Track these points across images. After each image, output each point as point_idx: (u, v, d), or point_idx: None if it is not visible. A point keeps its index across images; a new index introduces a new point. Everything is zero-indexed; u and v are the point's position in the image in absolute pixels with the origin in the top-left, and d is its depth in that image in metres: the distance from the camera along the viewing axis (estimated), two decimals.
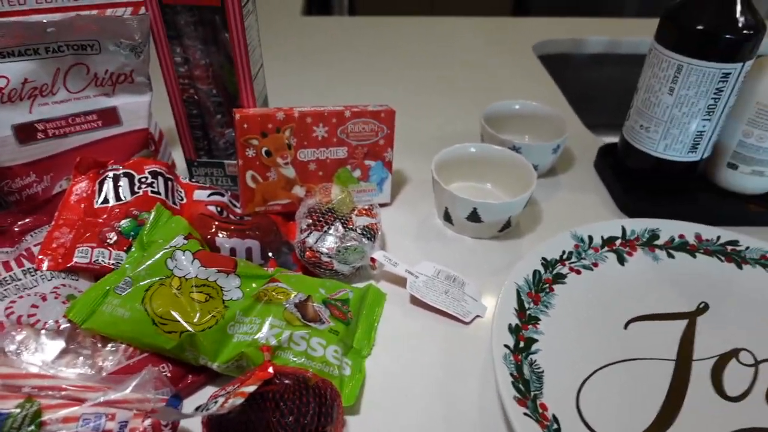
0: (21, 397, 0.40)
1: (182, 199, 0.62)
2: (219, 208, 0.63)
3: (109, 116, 0.61)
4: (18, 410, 0.39)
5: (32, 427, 0.38)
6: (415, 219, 0.72)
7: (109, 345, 0.49)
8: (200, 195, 0.64)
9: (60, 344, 0.47)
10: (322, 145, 0.65)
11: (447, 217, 0.68)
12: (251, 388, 0.41)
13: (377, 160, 0.69)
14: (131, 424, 0.41)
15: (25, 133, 0.56)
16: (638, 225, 0.65)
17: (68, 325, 0.48)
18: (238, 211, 0.66)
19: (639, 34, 1.28)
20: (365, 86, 1.05)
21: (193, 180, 0.70)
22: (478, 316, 0.59)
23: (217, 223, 0.60)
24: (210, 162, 0.69)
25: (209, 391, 0.51)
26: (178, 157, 0.74)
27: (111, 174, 0.58)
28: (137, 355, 0.49)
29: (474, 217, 0.65)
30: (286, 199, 0.67)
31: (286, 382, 0.45)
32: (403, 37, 1.27)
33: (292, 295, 0.54)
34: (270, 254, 0.61)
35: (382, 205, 0.73)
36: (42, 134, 0.57)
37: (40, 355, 0.46)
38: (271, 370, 0.45)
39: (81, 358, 0.47)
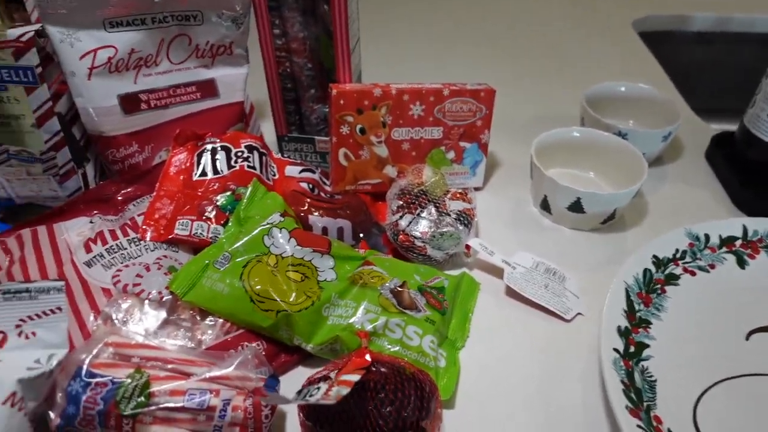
0: (131, 367, 0.40)
1: (275, 175, 0.62)
2: (310, 185, 0.62)
3: (208, 88, 0.61)
4: (129, 380, 0.39)
5: (142, 398, 0.39)
6: (507, 205, 0.68)
7: (208, 319, 0.49)
8: (292, 171, 0.63)
9: (162, 315, 0.48)
10: (417, 124, 0.63)
11: (545, 206, 0.65)
12: (355, 377, 0.39)
13: (473, 141, 0.65)
14: (234, 401, 0.40)
15: (129, 103, 0.56)
16: (762, 225, 0.59)
17: (170, 296, 0.48)
18: (328, 189, 0.65)
19: (751, 10, 1.15)
20: (454, 64, 1.01)
21: (284, 155, 0.70)
22: (579, 313, 0.55)
23: (309, 200, 0.59)
24: (301, 137, 0.68)
25: (301, 371, 0.50)
26: (266, 131, 0.74)
27: (209, 147, 0.58)
28: (233, 330, 0.49)
29: (576, 207, 0.61)
30: (377, 178, 0.65)
31: (383, 370, 0.44)
32: (497, 12, 1.21)
33: (388, 280, 0.52)
34: (361, 235, 0.60)
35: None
36: (145, 105, 0.57)
37: (143, 324, 0.47)
38: (368, 357, 0.43)
39: (182, 330, 0.47)
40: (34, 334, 0.39)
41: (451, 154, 0.66)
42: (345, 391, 0.38)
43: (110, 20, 0.53)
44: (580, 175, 0.70)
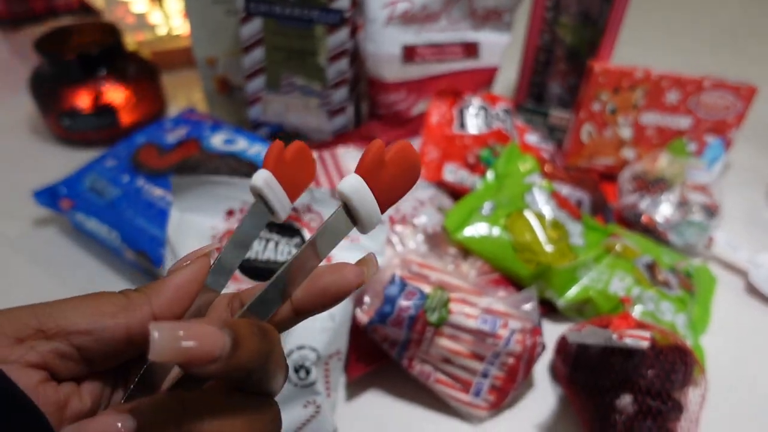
0: (432, 285, 0.45)
1: (516, 139, 0.65)
2: (549, 155, 0.65)
3: (471, 50, 0.64)
4: (434, 293, 0.44)
5: (444, 310, 0.43)
6: (739, 207, 0.67)
7: (469, 259, 0.53)
8: (531, 139, 0.66)
9: (432, 247, 0.52)
10: (668, 111, 0.63)
11: None
12: (646, 333, 0.41)
13: (718, 137, 0.65)
14: (517, 335, 0.44)
15: (409, 54, 0.61)
16: None
17: (441, 232, 0.53)
18: (558, 162, 0.67)
19: None
20: (703, 54, 0.98)
21: None
22: None
23: (552, 168, 0.62)
24: (535, 110, 0.70)
25: (544, 323, 0.53)
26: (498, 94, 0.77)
27: (469, 104, 0.62)
28: (489, 273, 0.53)
29: None
30: (612, 159, 0.66)
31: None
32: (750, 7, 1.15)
33: (639, 255, 0.54)
34: (597, 210, 0.61)
35: None
36: (420, 57, 0.62)
37: (415, 252, 0.52)
38: (632, 321, 0.45)
39: (450, 266, 0.52)
40: (358, 239, 0.45)
41: (693, 146, 0.65)
42: (645, 343, 0.40)
43: None
44: None
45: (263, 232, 0.44)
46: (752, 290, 0.56)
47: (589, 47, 0.65)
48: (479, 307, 0.45)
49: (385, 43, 0.60)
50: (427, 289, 0.44)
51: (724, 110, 0.63)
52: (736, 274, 0.58)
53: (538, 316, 0.47)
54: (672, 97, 0.62)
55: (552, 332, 0.50)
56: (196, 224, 0.44)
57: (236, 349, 0.19)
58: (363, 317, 0.44)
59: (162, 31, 0.85)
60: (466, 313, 0.44)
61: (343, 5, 0.57)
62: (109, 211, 0.54)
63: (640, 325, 0.46)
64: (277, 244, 0.44)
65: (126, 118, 0.72)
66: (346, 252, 0.44)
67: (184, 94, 0.83)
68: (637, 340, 0.41)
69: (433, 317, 0.43)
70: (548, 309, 0.53)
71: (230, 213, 0.45)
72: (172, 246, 0.44)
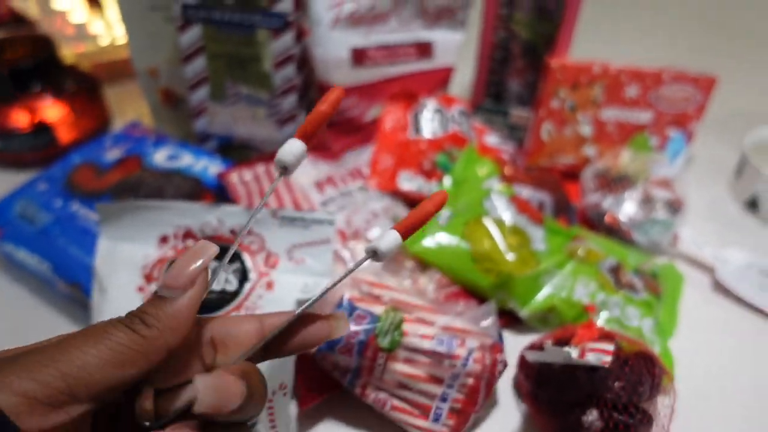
0: (383, 305, 0.42)
1: (474, 141, 0.62)
2: (509, 156, 0.63)
3: (425, 50, 0.62)
4: (385, 316, 0.41)
5: (397, 332, 0.41)
6: (703, 200, 0.65)
7: (427, 273, 0.51)
8: (490, 140, 0.64)
9: (387, 262, 0.50)
10: (628, 106, 0.61)
11: (752, 205, 0.61)
12: (610, 346, 0.39)
13: (680, 130, 0.63)
14: (476, 354, 0.42)
15: (358, 56, 0.58)
16: None
17: None
18: (519, 162, 0.65)
19: None
20: (659, 48, 0.96)
21: None
22: None
23: (512, 170, 0.60)
24: (494, 109, 0.68)
25: (506, 335, 0.51)
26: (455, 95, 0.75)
27: (424, 107, 0.59)
28: (447, 287, 0.50)
29: None
30: (574, 157, 0.64)
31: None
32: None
33: (603, 258, 0.52)
34: (560, 211, 0.59)
35: None
36: (370, 60, 0.59)
37: (367, 270, 0.49)
38: (596, 331, 0.43)
39: (406, 282, 0.49)
40: (303, 260, 0.42)
41: (655, 141, 0.64)
42: (607, 358, 0.38)
43: None
44: None
45: None
46: (719, 287, 0.54)
47: (547, 42, 0.63)
48: (436, 326, 0.42)
49: (333, 47, 0.57)
50: (378, 310, 0.42)
51: (685, 102, 0.61)
52: (703, 271, 0.56)
53: (499, 332, 0.44)
54: (631, 91, 0.60)
55: (516, 344, 0.48)
56: (126, 254, 0.41)
57: (250, 399, 0.22)
58: None
59: (104, 42, 0.81)
60: (421, 334, 0.41)
61: (285, 8, 0.54)
62: (39, 240, 0.50)
63: (605, 335, 0.44)
64: (213, 271, 0.40)
65: (65, 137, 0.68)
66: (290, 275, 0.41)
67: (132, 108, 0.78)
68: (600, 354, 0.39)
69: (384, 342, 0.40)
70: (512, 319, 0.51)
71: (164, 240, 0.42)
72: (100, 279, 0.40)
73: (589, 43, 0.92)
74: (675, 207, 0.57)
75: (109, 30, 0.82)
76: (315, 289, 0.41)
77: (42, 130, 0.66)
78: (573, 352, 0.39)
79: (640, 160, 0.61)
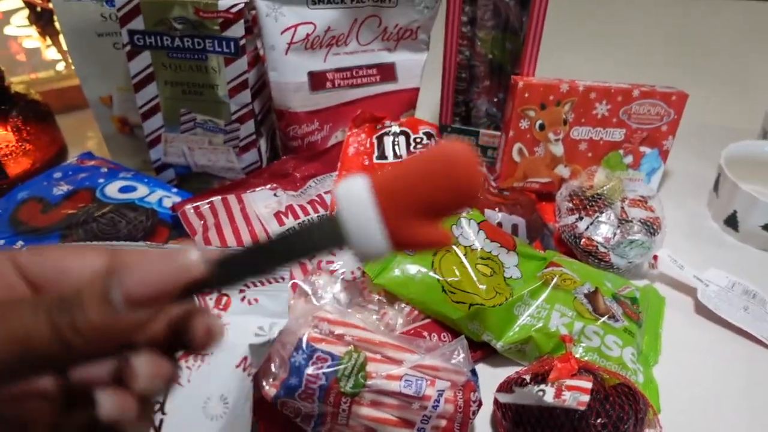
0: (345, 345, 0.39)
1: None
2: (482, 179, 0.60)
3: (387, 72, 0.60)
4: (347, 358, 0.38)
5: (360, 375, 0.37)
6: (681, 218, 0.64)
7: (396, 305, 0.47)
8: None
9: (352, 295, 0.47)
10: (599, 124, 0.59)
11: (731, 222, 0.60)
12: (587, 384, 0.37)
13: (654, 147, 0.61)
14: (446, 394, 0.38)
15: (317, 81, 0.56)
16: None
17: (362, 277, 0.47)
18: (493, 184, 0.63)
19: None
20: (621, 64, 0.96)
21: None
22: None
23: (484, 194, 0.57)
24: (465, 129, 0.66)
25: (482, 368, 0.48)
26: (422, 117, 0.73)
27: (389, 130, 0.57)
28: (419, 319, 0.47)
29: None
30: (547, 177, 0.62)
31: (591, 377, 0.41)
32: (669, 16, 1.15)
33: (580, 284, 0.49)
34: (534, 235, 0.57)
35: None
36: (330, 84, 0.57)
37: (336, 303, 0.46)
38: (574, 363, 0.41)
39: (374, 316, 0.46)
40: (257, 300, 0.39)
41: (629, 159, 0.62)
42: (585, 398, 0.35)
43: None
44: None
45: None
46: (703, 309, 0.52)
47: (513, 61, 0.61)
48: (404, 365, 0.39)
49: (289, 71, 0.54)
50: (341, 350, 0.38)
51: (657, 119, 0.60)
52: (685, 293, 0.54)
53: (472, 368, 0.41)
54: (601, 109, 0.59)
55: (493, 378, 0.45)
56: None
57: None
58: (269, 390, 0.38)
59: (59, 67, 0.78)
60: (387, 374, 0.38)
61: (236, 33, 0.51)
62: None
63: (585, 367, 0.41)
64: None
65: (14, 169, 0.64)
66: (243, 317, 0.38)
67: (89, 137, 0.75)
68: (577, 394, 0.36)
69: (347, 386, 0.37)
70: (488, 351, 0.48)
71: None
72: None
73: (557, 61, 0.92)
74: (653, 227, 0.55)
75: (65, 56, 0.79)
76: (269, 331, 0.37)
77: None
78: (548, 393, 0.37)
79: (615, 178, 0.59)
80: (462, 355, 0.41)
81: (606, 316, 0.47)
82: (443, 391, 0.38)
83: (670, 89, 0.59)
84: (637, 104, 0.59)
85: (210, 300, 0.38)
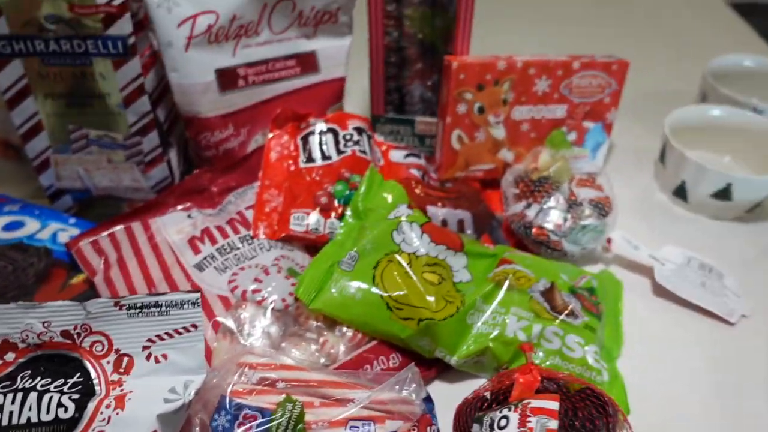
0: (277, 394, 0.34)
1: (380, 161, 0.55)
2: (421, 172, 0.55)
3: (308, 62, 0.53)
4: (281, 411, 0.33)
5: (298, 428, 0.32)
6: (629, 193, 0.61)
7: (336, 330, 0.42)
8: (396, 156, 0.56)
9: (286, 326, 0.41)
10: (540, 101, 0.55)
11: (680, 193, 0.57)
12: (553, 405, 0.33)
13: (597, 121, 0.58)
14: None
15: (227, 79, 0.49)
16: None
17: (294, 304, 0.42)
18: (434, 176, 0.58)
19: None
20: (550, 35, 0.92)
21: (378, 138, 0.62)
22: (744, 315, 0.48)
23: (425, 189, 0.52)
24: (399, 119, 0.61)
25: (438, 387, 0.44)
26: (351, 110, 0.67)
27: (314, 129, 0.51)
28: (365, 342, 0.42)
29: (724, 194, 0.54)
30: (491, 163, 0.58)
31: (553, 388, 0.37)
32: None
33: (535, 281, 0.45)
34: (482, 228, 0.53)
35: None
36: (243, 81, 0.50)
37: (267, 338, 0.40)
38: (537, 375, 0.37)
39: (313, 346, 0.41)
40: (165, 356, 0.32)
41: (573, 136, 0.58)
42: (553, 424, 0.32)
43: None
44: (716, 159, 0.63)
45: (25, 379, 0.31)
46: (660, 290, 0.50)
47: (445, 38, 0.56)
48: (350, 407, 0.34)
49: (193, 71, 0.47)
50: (272, 403, 0.33)
51: (599, 90, 0.56)
52: (642, 273, 0.52)
53: (426, 397, 0.37)
54: (542, 85, 0.54)
55: (451, 396, 0.40)
56: None
57: None
58: None
59: None
60: (330, 422, 0.33)
61: (122, 30, 0.44)
62: None
63: (548, 376, 0.38)
64: (41, 394, 0.30)
65: None
66: (150, 378, 0.32)
67: None
68: (544, 419, 0.32)
69: None
70: (443, 366, 0.44)
71: None
72: None
73: (491, 37, 0.87)
74: (604, 207, 0.52)
75: None
76: (184, 393, 0.32)
77: None
78: (512, 421, 0.33)
79: (560, 158, 0.55)
80: (414, 385, 0.37)
81: (564, 314, 0.43)
82: (395, 431, 0.34)
83: (610, 58, 0.56)
84: (577, 77, 0.55)
85: (107, 364, 0.32)
